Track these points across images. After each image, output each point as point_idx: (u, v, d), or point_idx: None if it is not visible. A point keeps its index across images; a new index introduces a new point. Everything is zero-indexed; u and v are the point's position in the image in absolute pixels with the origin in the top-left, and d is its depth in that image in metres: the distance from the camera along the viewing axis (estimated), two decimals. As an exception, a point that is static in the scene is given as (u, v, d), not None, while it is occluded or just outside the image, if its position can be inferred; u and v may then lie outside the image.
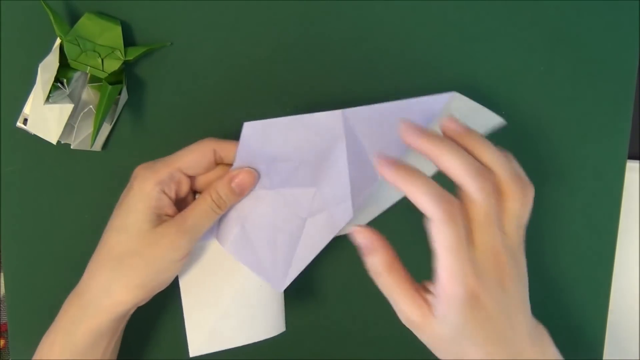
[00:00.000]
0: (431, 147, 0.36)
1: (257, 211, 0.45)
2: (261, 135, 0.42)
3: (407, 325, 0.38)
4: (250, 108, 0.50)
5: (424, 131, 0.37)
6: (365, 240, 0.38)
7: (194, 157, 0.42)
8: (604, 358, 0.53)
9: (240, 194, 0.43)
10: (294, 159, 0.44)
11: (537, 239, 0.52)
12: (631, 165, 0.53)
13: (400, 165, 0.36)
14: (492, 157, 0.37)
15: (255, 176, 0.43)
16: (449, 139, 0.37)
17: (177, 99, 0.50)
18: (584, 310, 0.52)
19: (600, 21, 0.50)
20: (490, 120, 0.44)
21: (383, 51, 0.50)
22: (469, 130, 0.38)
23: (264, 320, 0.47)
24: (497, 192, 0.37)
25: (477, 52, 0.50)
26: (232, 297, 0.46)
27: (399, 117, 0.40)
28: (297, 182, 0.44)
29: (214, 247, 0.46)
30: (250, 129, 0.42)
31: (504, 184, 0.37)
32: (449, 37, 0.50)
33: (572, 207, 0.52)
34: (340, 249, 0.51)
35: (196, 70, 0.50)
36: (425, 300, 0.37)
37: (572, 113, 0.51)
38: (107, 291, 0.41)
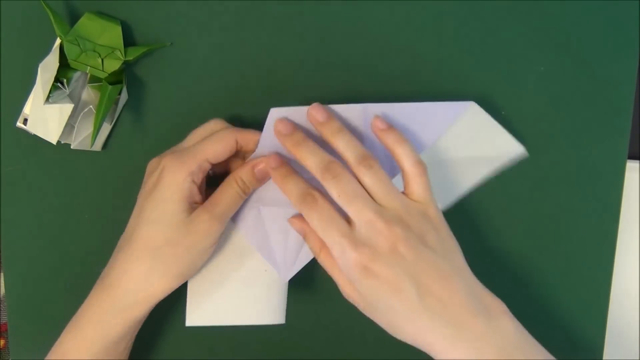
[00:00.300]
0: (292, 147, 0.43)
1: (273, 198, 0.46)
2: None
3: (347, 299, 0.43)
4: (250, 108, 0.50)
5: (291, 133, 0.43)
6: (297, 227, 0.44)
7: (220, 147, 0.44)
8: (604, 358, 0.53)
9: (262, 180, 0.45)
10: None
11: (537, 239, 0.52)
12: (631, 165, 0.53)
13: (282, 166, 0.44)
14: (339, 142, 0.42)
15: (275, 157, 0.45)
16: (298, 137, 0.43)
17: (177, 99, 0.50)
18: (584, 310, 0.52)
19: (600, 21, 0.50)
20: (505, 143, 0.47)
21: (383, 52, 0.49)
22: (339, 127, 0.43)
23: (264, 306, 0.48)
24: (346, 173, 0.41)
25: (477, 52, 0.50)
26: (236, 278, 0.47)
27: (416, 118, 0.44)
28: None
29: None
30: (276, 114, 0.44)
31: (351, 166, 0.42)
32: (449, 37, 0.50)
33: (572, 207, 0.52)
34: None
35: (196, 70, 0.50)
36: None
37: (572, 113, 0.51)
38: (147, 282, 0.43)
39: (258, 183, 0.45)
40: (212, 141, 0.44)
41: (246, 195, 0.45)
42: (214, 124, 0.46)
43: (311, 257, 0.46)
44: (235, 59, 0.50)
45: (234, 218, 0.47)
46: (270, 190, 0.46)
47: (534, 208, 0.52)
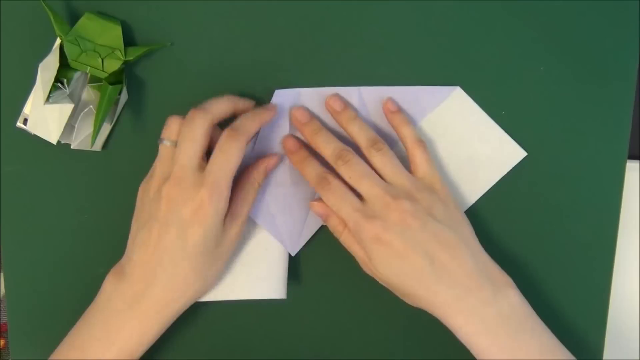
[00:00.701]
0: (309, 135, 0.47)
1: (276, 177, 0.49)
2: (288, 103, 0.48)
3: (368, 273, 0.47)
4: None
5: (308, 121, 0.48)
6: (321, 209, 0.47)
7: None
8: (604, 358, 0.53)
9: (268, 173, 0.48)
10: None
11: (537, 239, 0.52)
12: (631, 165, 0.53)
13: (299, 150, 0.47)
14: (353, 128, 0.47)
15: (279, 156, 0.48)
16: (315, 126, 0.47)
17: (177, 99, 0.50)
18: (584, 310, 0.52)
19: (600, 21, 0.50)
20: (488, 127, 0.50)
21: (382, 52, 0.49)
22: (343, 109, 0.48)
23: (265, 281, 0.49)
24: (356, 158, 0.45)
25: (477, 52, 0.50)
26: (238, 256, 0.49)
27: (405, 100, 0.49)
28: (313, 150, 0.48)
29: None
30: (280, 96, 0.48)
31: (363, 149, 0.46)
32: (449, 37, 0.50)
33: (572, 207, 0.52)
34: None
35: (196, 70, 0.50)
36: None
37: (572, 113, 0.51)
38: (187, 286, 0.44)
39: (266, 176, 0.48)
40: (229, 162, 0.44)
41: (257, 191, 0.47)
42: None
43: (314, 231, 0.50)
44: (235, 59, 0.50)
45: None
46: (274, 171, 0.49)
47: (534, 208, 0.52)
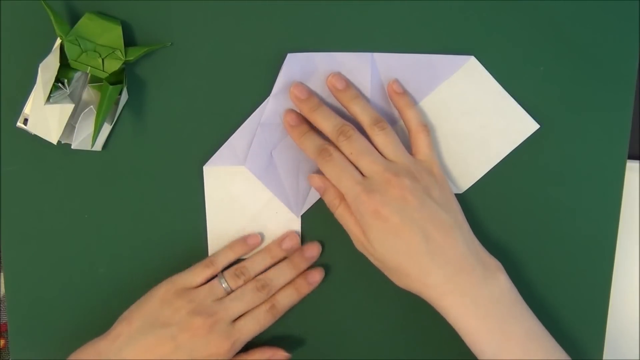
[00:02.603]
0: (307, 112, 0.47)
1: (284, 142, 0.50)
2: (300, 67, 0.48)
3: (360, 250, 0.47)
4: (250, 108, 0.50)
5: (307, 98, 0.48)
6: (319, 182, 0.47)
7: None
8: (604, 358, 0.53)
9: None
10: (323, 94, 0.49)
11: (537, 239, 0.52)
12: (631, 165, 0.53)
13: (299, 124, 0.48)
14: (356, 107, 0.47)
15: (288, 357, 0.50)
16: (313, 102, 0.48)
17: (177, 99, 0.50)
18: (584, 310, 0.53)
19: (600, 21, 0.50)
20: (501, 98, 0.50)
21: (383, 51, 0.49)
22: (345, 88, 0.48)
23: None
24: (357, 133, 0.46)
25: (476, 52, 0.50)
26: (249, 219, 0.51)
27: (418, 67, 0.49)
28: None
29: (240, 173, 0.50)
30: (292, 60, 0.48)
31: (365, 127, 0.47)
32: (449, 36, 0.50)
33: (572, 207, 0.52)
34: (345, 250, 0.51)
35: (196, 70, 0.50)
36: None
37: (572, 113, 0.51)
38: None
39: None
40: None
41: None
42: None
43: (319, 197, 0.50)
44: (236, 59, 0.50)
45: (248, 164, 0.49)
46: (280, 136, 0.50)
47: (534, 208, 0.52)
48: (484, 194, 0.51)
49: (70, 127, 0.47)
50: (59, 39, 0.47)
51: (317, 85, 0.49)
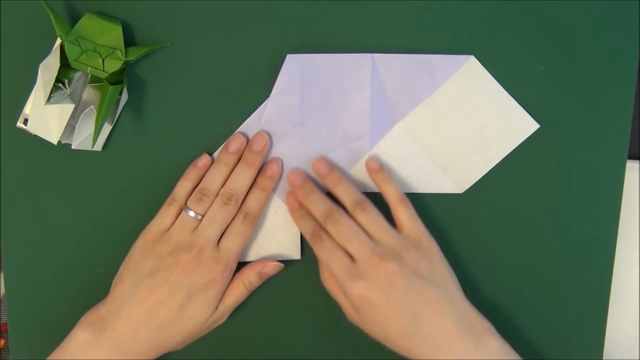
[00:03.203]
0: (302, 197, 0.49)
1: (283, 142, 0.50)
2: (300, 68, 0.49)
3: (350, 321, 0.48)
4: (250, 108, 0.50)
5: (302, 184, 0.49)
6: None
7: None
8: (604, 358, 0.53)
9: (265, 279, 0.50)
10: (323, 94, 0.49)
11: (537, 239, 0.52)
12: (631, 165, 0.53)
13: (298, 209, 0.49)
14: (339, 190, 0.49)
15: (281, 268, 0.50)
16: (307, 188, 0.49)
17: (177, 99, 0.50)
18: (584, 310, 0.53)
19: (600, 21, 0.50)
20: (501, 98, 0.50)
21: (383, 51, 0.49)
22: (329, 172, 0.50)
23: (279, 242, 0.51)
24: (344, 217, 0.47)
25: (476, 52, 0.50)
26: None
27: (418, 67, 0.49)
28: (323, 116, 0.49)
29: None
30: (292, 60, 0.49)
31: (348, 209, 0.48)
32: (448, 36, 0.50)
33: (572, 207, 0.52)
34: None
35: (196, 70, 0.50)
36: None
37: (572, 113, 0.51)
38: (164, 346, 0.47)
39: (261, 281, 0.50)
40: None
41: (250, 292, 0.49)
42: None
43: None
44: (236, 59, 0.50)
45: None
46: (279, 135, 0.50)
47: (534, 207, 0.52)
48: (484, 194, 0.51)
49: (70, 127, 0.47)
50: (59, 39, 0.47)
51: (317, 85, 0.49)
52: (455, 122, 0.50)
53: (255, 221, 0.49)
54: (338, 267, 0.46)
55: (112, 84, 0.46)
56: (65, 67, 0.46)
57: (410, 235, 0.47)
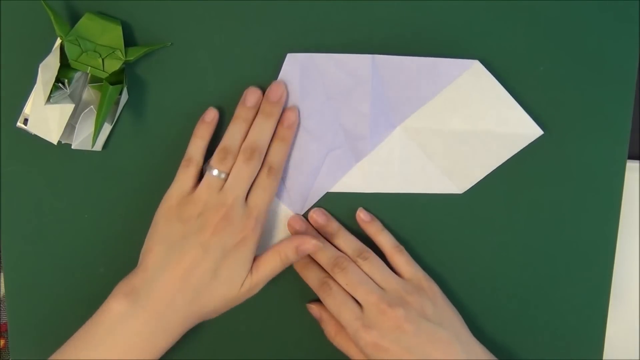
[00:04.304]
0: (304, 246, 0.48)
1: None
2: (300, 68, 0.48)
3: None
4: (251, 108, 0.50)
5: (306, 229, 0.50)
6: (316, 313, 0.51)
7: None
8: (604, 358, 0.53)
9: (301, 256, 0.49)
10: (323, 94, 0.49)
11: (537, 239, 0.52)
12: (631, 165, 0.53)
13: (309, 265, 0.50)
14: (339, 240, 0.50)
15: (320, 248, 0.48)
16: (327, 229, 0.50)
17: (177, 99, 0.50)
18: (584, 310, 0.53)
19: (600, 21, 0.50)
20: (505, 103, 0.50)
21: (382, 51, 0.49)
22: (327, 222, 0.51)
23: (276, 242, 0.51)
24: (351, 265, 0.48)
25: (476, 52, 0.50)
26: None
27: (421, 71, 0.49)
28: (324, 116, 0.49)
29: None
30: (292, 60, 0.48)
31: (351, 258, 0.49)
32: (448, 36, 0.50)
33: (572, 207, 0.52)
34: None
35: (196, 70, 0.50)
36: None
37: (572, 113, 0.51)
38: (202, 312, 0.46)
39: (297, 257, 0.48)
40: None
41: (284, 267, 0.48)
42: None
43: (323, 194, 0.51)
44: (235, 58, 0.50)
45: None
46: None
47: (534, 208, 0.52)
48: (483, 194, 0.51)
49: (70, 127, 0.47)
50: (59, 39, 0.47)
51: (316, 85, 0.49)
52: (457, 125, 0.50)
53: (280, 174, 0.48)
54: (349, 317, 0.47)
55: (112, 84, 0.46)
56: (65, 67, 0.46)
57: (411, 280, 0.49)
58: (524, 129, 0.50)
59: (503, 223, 0.52)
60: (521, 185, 0.51)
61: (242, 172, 0.47)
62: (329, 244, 0.50)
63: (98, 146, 0.49)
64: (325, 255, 0.49)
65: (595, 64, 0.50)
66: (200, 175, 0.48)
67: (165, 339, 0.45)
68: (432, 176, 0.51)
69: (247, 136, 0.48)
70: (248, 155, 0.47)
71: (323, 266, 0.49)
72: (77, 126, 0.47)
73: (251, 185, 0.47)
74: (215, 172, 0.47)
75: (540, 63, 0.50)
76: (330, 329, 0.50)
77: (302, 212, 0.51)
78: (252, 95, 0.48)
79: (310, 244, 0.48)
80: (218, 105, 0.50)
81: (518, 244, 0.52)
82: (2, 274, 0.60)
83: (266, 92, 0.48)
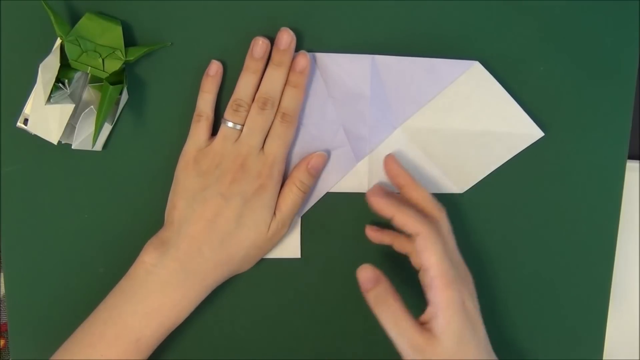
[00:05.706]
0: (389, 210, 0.45)
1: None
2: None
3: (411, 352, 0.42)
4: (251, 108, 0.50)
5: (387, 195, 0.46)
6: (368, 274, 0.45)
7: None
8: (604, 358, 0.53)
9: (316, 175, 0.49)
10: (324, 94, 0.49)
11: (537, 239, 0.52)
12: (631, 165, 0.53)
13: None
14: (420, 197, 0.47)
15: (325, 157, 0.49)
16: (398, 202, 0.45)
17: (177, 99, 0.50)
18: (584, 310, 0.53)
19: (600, 21, 0.50)
20: (506, 104, 0.50)
21: (382, 51, 0.49)
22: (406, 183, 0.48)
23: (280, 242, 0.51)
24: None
25: (476, 52, 0.50)
26: None
27: (421, 72, 0.49)
28: (324, 116, 0.50)
29: None
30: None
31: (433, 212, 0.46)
32: (448, 36, 0.50)
33: (572, 207, 0.52)
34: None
35: (196, 70, 0.50)
36: (423, 324, 0.42)
37: (572, 113, 0.51)
38: (231, 263, 0.47)
39: (314, 179, 0.49)
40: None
41: (306, 194, 0.49)
42: None
43: (323, 194, 0.51)
44: (236, 58, 0.50)
45: None
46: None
47: (534, 207, 0.52)
48: (484, 194, 0.51)
49: (70, 127, 0.47)
50: (59, 39, 0.47)
51: (316, 85, 0.49)
52: (457, 125, 0.50)
53: (295, 120, 0.48)
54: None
55: (112, 84, 0.46)
56: (65, 67, 0.46)
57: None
58: (524, 130, 0.50)
59: (503, 223, 0.52)
60: (521, 185, 0.51)
61: (257, 123, 0.47)
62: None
63: (98, 146, 0.49)
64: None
65: (595, 64, 0.50)
66: (214, 131, 0.49)
67: (196, 290, 0.46)
68: (432, 176, 0.51)
69: (260, 87, 0.48)
70: (261, 105, 0.47)
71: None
72: (77, 126, 0.47)
73: (267, 135, 0.48)
74: (230, 124, 0.47)
75: (540, 63, 0.50)
76: (388, 290, 0.44)
77: (301, 213, 0.51)
78: (259, 46, 0.47)
79: (315, 157, 0.49)
80: (217, 105, 0.50)
81: (518, 244, 0.52)
82: (2, 274, 0.60)
83: (275, 41, 0.48)
